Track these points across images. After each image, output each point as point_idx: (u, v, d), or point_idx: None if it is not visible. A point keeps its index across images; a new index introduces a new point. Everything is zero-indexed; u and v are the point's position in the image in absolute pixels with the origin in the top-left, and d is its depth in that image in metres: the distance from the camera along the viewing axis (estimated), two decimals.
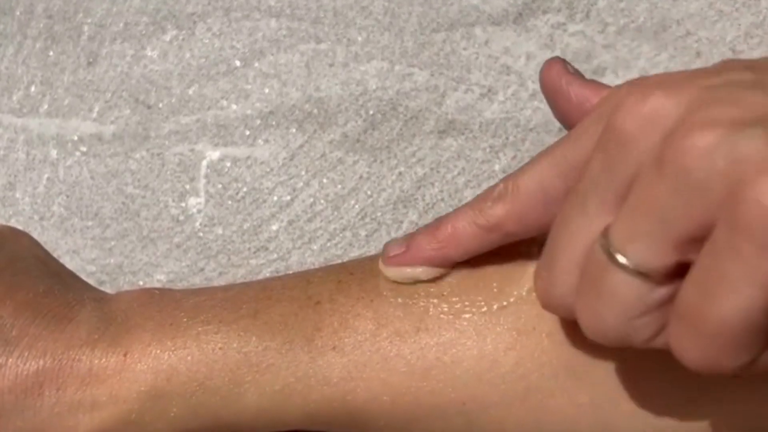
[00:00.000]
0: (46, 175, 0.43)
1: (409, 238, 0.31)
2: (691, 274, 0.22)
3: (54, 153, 0.43)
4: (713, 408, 0.29)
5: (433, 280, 0.31)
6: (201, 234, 0.42)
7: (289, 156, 0.42)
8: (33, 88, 0.44)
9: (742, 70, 0.24)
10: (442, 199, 0.41)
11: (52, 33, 0.44)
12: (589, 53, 0.42)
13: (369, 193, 0.42)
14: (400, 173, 0.42)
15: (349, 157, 0.42)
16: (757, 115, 0.21)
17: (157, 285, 0.42)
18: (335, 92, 0.43)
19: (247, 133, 0.43)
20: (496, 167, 0.42)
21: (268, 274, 0.42)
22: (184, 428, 0.30)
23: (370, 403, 0.30)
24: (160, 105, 0.43)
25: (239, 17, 0.44)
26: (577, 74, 0.30)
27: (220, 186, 0.42)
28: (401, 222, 0.41)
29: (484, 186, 0.41)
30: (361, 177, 0.42)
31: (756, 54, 0.41)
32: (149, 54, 0.44)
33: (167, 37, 0.44)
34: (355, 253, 0.41)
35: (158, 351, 0.30)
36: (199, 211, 0.42)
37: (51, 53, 0.44)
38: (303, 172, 0.42)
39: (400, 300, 0.31)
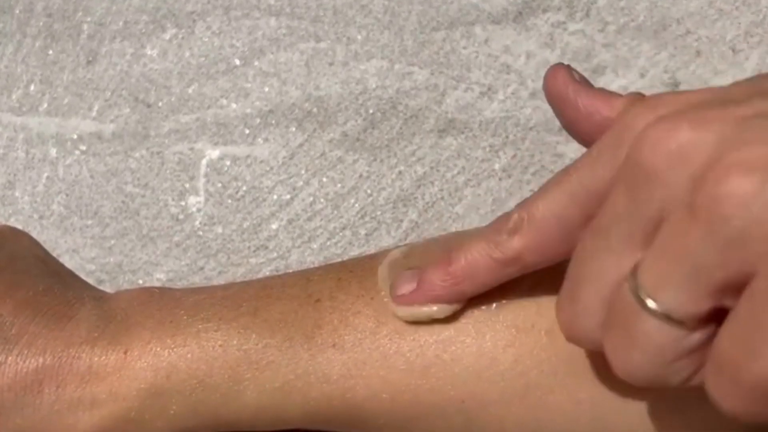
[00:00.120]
0: (45, 174, 0.43)
1: (419, 274, 0.30)
2: (729, 323, 0.22)
3: (53, 152, 0.43)
4: (713, 407, 0.29)
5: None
6: (201, 233, 0.42)
7: (289, 155, 0.42)
8: (32, 87, 0.44)
9: None
10: (442, 198, 0.41)
11: (51, 31, 0.44)
12: (589, 52, 0.42)
13: (369, 191, 0.42)
14: (399, 172, 0.42)
15: (348, 156, 0.42)
16: None
17: (157, 284, 0.42)
18: (335, 91, 0.43)
19: (247, 131, 0.43)
20: (496, 166, 0.42)
21: (267, 273, 0.41)
22: (184, 426, 0.30)
23: (370, 400, 0.30)
24: (160, 104, 0.43)
25: (239, 16, 0.44)
26: (584, 81, 0.29)
27: (219, 185, 0.42)
28: (401, 221, 0.41)
29: (484, 185, 0.41)
30: (360, 176, 0.42)
31: (756, 53, 0.41)
32: (149, 53, 0.44)
33: (167, 36, 0.44)
34: (354, 252, 0.41)
35: (158, 349, 0.30)
36: (198, 210, 0.42)
37: (50, 52, 0.44)
38: (303, 171, 0.42)
39: None
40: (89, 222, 0.43)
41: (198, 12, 0.44)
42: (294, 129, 0.42)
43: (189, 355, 0.30)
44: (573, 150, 0.41)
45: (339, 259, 0.38)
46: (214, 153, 0.43)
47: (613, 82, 0.41)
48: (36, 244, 0.36)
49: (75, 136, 0.43)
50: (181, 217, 0.42)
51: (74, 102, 0.44)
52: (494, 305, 0.30)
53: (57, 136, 0.43)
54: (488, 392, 0.29)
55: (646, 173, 0.23)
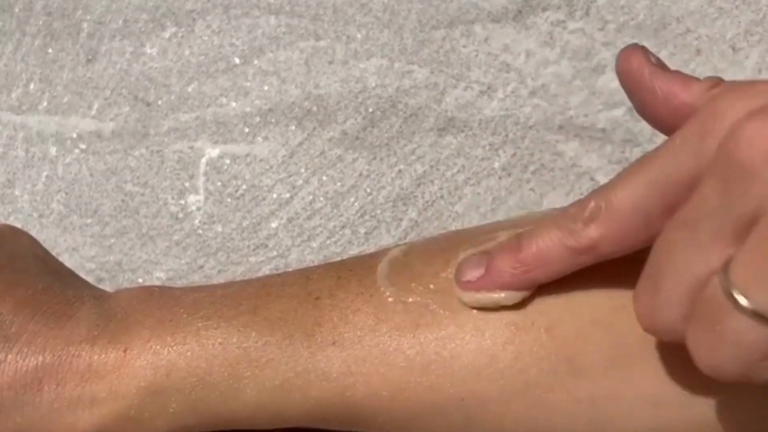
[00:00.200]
0: (45, 173, 0.43)
1: (488, 260, 0.29)
2: None
3: (53, 150, 0.43)
4: (712, 406, 0.29)
5: (516, 305, 0.29)
6: (200, 231, 0.42)
7: (289, 153, 0.42)
8: (32, 86, 0.44)
9: None
10: (442, 197, 0.41)
11: (51, 30, 0.44)
12: (588, 51, 0.42)
13: (368, 190, 0.42)
14: (399, 171, 0.42)
15: (348, 155, 0.42)
16: None
17: (157, 283, 0.42)
18: (335, 89, 0.43)
19: (247, 130, 0.43)
20: (496, 165, 0.42)
21: (267, 272, 0.41)
22: (184, 424, 0.30)
23: (369, 398, 0.30)
24: (160, 102, 0.43)
25: (238, 14, 0.44)
26: (660, 64, 0.28)
27: (219, 183, 0.42)
28: (401, 220, 0.41)
29: (484, 184, 0.41)
30: (360, 174, 0.42)
31: (756, 52, 0.41)
32: (148, 51, 0.44)
33: (166, 34, 0.44)
34: (354, 251, 0.41)
35: (158, 347, 0.30)
36: (198, 209, 0.42)
37: (50, 50, 0.44)
38: (302, 170, 0.42)
39: (399, 296, 0.31)
40: (89, 221, 0.43)
41: (198, 10, 0.44)
42: (294, 127, 0.42)
43: (189, 354, 0.30)
44: (573, 149, 0.41)
45: (339, 258, 0.38)
46: (213, 151, 0.43)
47: (613, 81, 0.41)
48: (35, 242, 0.36)
49: (74, 135, 0.43)
50: (180, 215, 0.42)
51: (74, 100, 0.44)
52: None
53: (56, 135, 0.43)
54: (488, 390, 0.29)
55: (742, 169, 0.22)
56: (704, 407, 0.29)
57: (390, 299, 0.30)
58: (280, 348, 0.30)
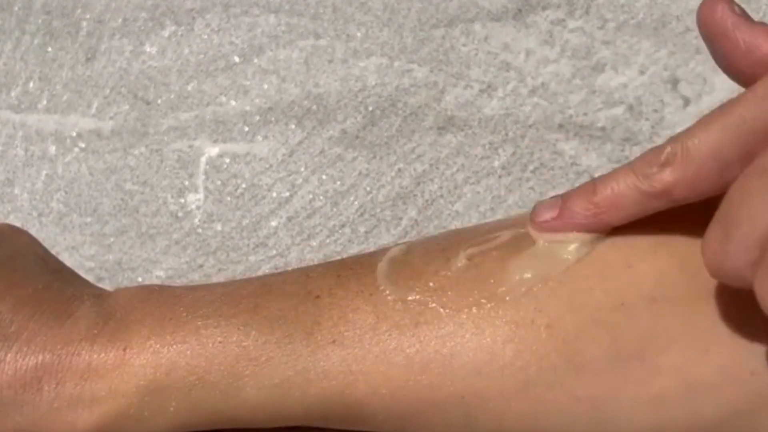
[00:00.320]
0: (44, 172, 0.43)
1: (562, 202, 0.29)
2: None
3: (53, 149, 0.43)
4: (712, 405, 0.29)
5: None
6: (200, 230, 0.42)
7: (288, 152, 0.42)
8: (31, 84, 0.44)
9: None
10: (442, 196, 0.41)
11: (50, 29, 0.44)
12: (588, 49, 0.42)
13: (368, 189, 0.42)
14: (399, 169, 0.42)
15: (348, 154, 0.42)
16: None
17: (156, 281, 0.42)
18: (334, 88, 0.43)
19: (246, 129, 0.43)
20: (496, 163, 0.41)
21: (267, 271, 0.41)
22: (183, 422, 0.30)
23: (369, 397, 0.30)
24: (159, 101, 0.43)
25: (238, 13, 0.44)
26: (744, 15, 0.28)
27: (219, 182, 0.42)
28: (400, 218, 0.41)
29: (484, 182, 0.41)
30: (360, 173, 0.42)
31: None
32: (148, 50, 0.44)
33: (166, 33, 0.44)
34: (354, 250, 0.41)
35: (158, 345, 0.30)
36: (198, 208, 0.42)
37: (49, 49, 0.44)
38: (302, 169, 0.42)
39: (399, 294, 0.31)
40: (88, 219, 0.43)
41: (197, 9, 0.44)
42: (293, 126, 0.42)
43: (188, 352, 0.30)
44: (572, 147, 0.41)
45: (338, 257, 0.38)
46: (213, 150, 0.42)
47: (613, 80, 0.41)
48: (35, 241, 0.36)
49: (74, 134, 0.43)
50: (180, 214, 0.42)
51: (73, 99, 0.44)
52: (494, 301, 0.30)
53: (56, 134, 0.43)
54: (488, 388, 0.29)
55: None
56: (704, 406, 0.29)
57: (390, 298, 0.30)
58: (279, 346, 0.30)
